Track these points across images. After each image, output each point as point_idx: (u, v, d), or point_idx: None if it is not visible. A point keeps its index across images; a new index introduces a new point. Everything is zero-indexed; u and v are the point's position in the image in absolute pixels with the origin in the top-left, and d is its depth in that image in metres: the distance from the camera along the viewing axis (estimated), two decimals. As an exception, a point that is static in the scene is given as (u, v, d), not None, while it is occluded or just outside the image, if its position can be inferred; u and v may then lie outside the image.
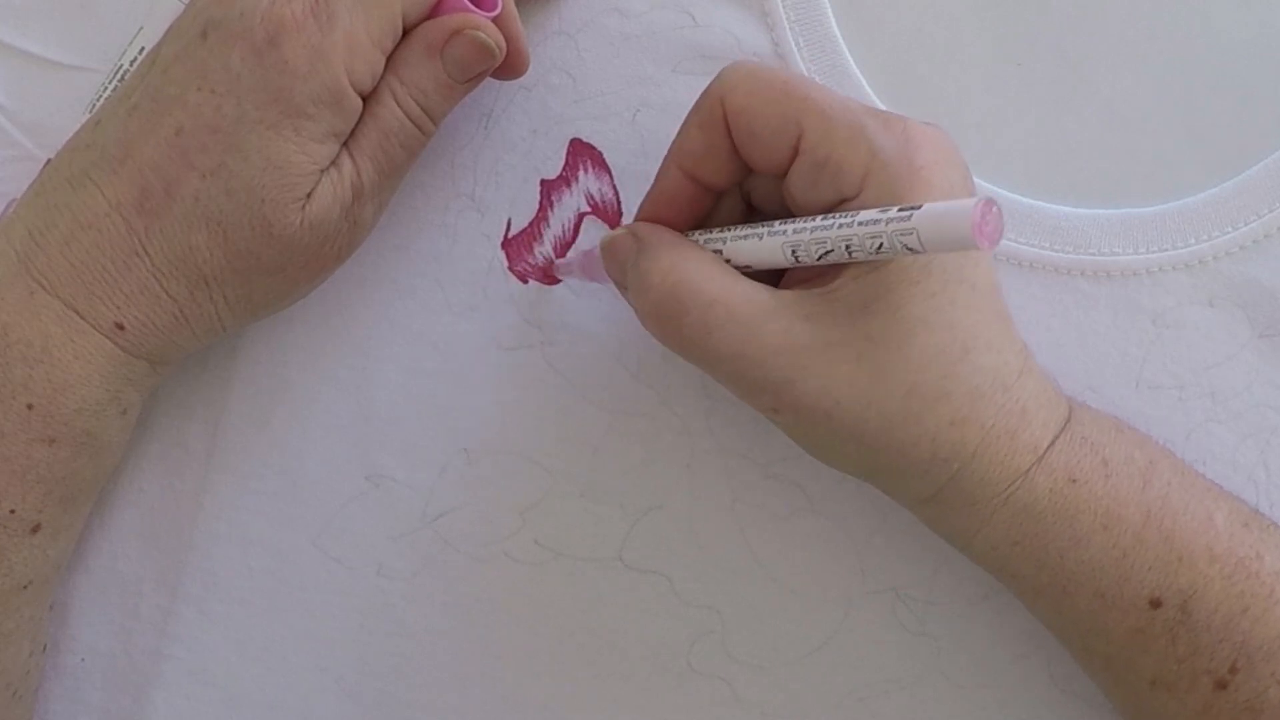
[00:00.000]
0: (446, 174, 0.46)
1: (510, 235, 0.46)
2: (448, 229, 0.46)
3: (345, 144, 0.40)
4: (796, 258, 0.37)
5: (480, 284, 0.45)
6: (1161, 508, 0.38)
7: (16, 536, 0.40)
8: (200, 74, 0.39)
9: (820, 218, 0.36)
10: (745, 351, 0.37)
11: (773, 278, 0.39)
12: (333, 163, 0.40)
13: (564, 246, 0.45)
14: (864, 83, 0.45)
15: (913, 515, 0.41)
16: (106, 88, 0.45)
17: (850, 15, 0.45)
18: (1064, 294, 0.44)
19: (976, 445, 0.37)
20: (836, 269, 0.37)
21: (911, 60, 0.45)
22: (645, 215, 0.41)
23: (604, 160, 0.45)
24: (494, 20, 0.41)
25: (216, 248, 0.39)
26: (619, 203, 0.45)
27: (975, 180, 0.39)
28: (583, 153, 0.45)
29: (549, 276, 0.45)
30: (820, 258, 0.36)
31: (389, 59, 0.40)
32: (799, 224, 0.37)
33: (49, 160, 0.43)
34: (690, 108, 0.39)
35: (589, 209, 0.45)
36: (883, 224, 0.34)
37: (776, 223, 0.38)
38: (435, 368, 0.45)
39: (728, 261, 0.38)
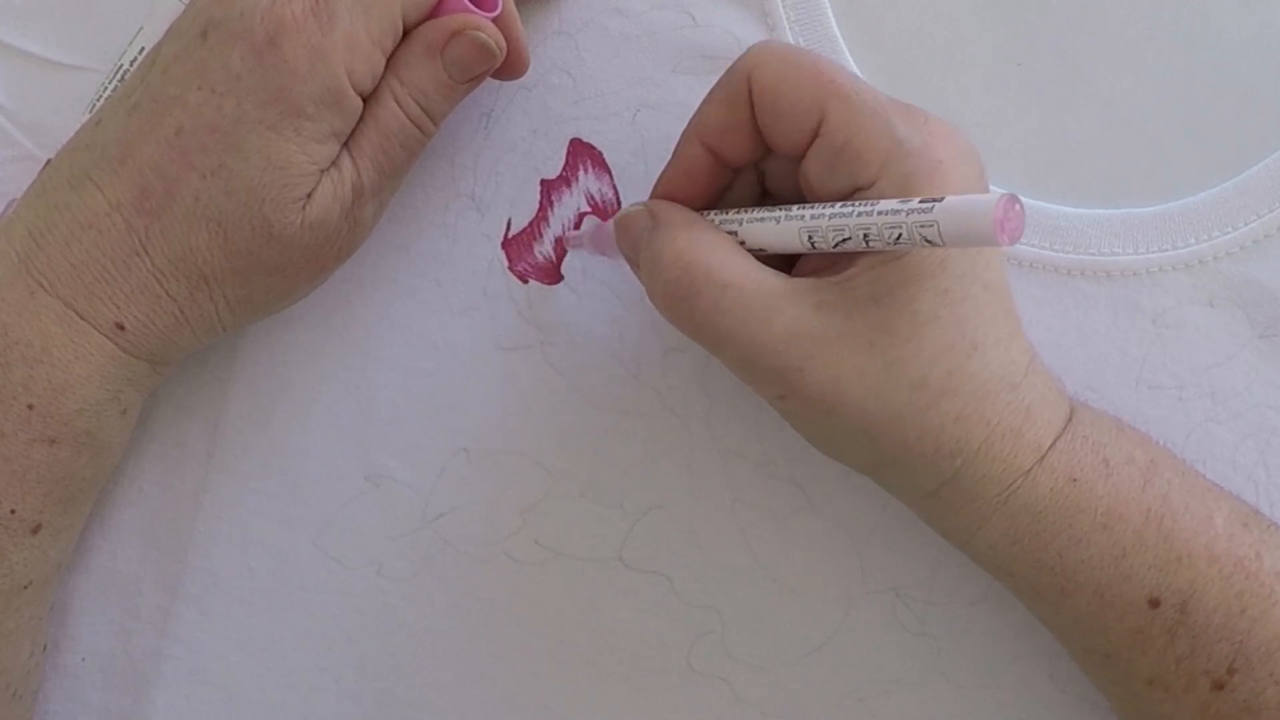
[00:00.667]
0: (446, 174, 0.46)
1: (510, 235, 0.46)
2: (448, 229, 0.46)
3: (345, 144, 0.40)
4: (813, 243, 0.36)
5: (480, 284, 0.45)
6: (1161, 508, 0.38)
7: (17, 537, 0.40)
8: (200, 74, 0.39)
9: (839, 204, 0.36)
10: (756, 337, 0.37)
11: (784, 264, 0.39)
12: (333, 163, 0.40)
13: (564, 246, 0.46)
14: (864, 83, 0.45)
15: (913, 515, 0.41)
16: (106, 88, 0.45)
17: (850, 15, 0.45)
18: (1064, 294, 0.44)
19: (981, 442, 0.37)
20: (849, 259, 0.37)
21: (911, 60, 0.45)
22: (663, 184, 0.41)
23: (604, 160, 0.45)
24: (494, 20, 0.41)
25: (217, 248, 0.39)
26: (619, 203, 0.45)
27: (975, 180, 0.39)
28: (583, 153, 0.45)
29: (549, 276, 0.45)
30: (837, 245, 0.36)
31: (389, 59, 0.40)
32: (817, 209, 0.36)
33: (49, 160, 0.43)
34: (713, 85, 0.39)
35: (589, 209, 0.45)
36: (903, 214, 0.34)
37: (794, 207, 0.37)
38: (435, 368, 0.45)
39: (742, 244, 0.38)
